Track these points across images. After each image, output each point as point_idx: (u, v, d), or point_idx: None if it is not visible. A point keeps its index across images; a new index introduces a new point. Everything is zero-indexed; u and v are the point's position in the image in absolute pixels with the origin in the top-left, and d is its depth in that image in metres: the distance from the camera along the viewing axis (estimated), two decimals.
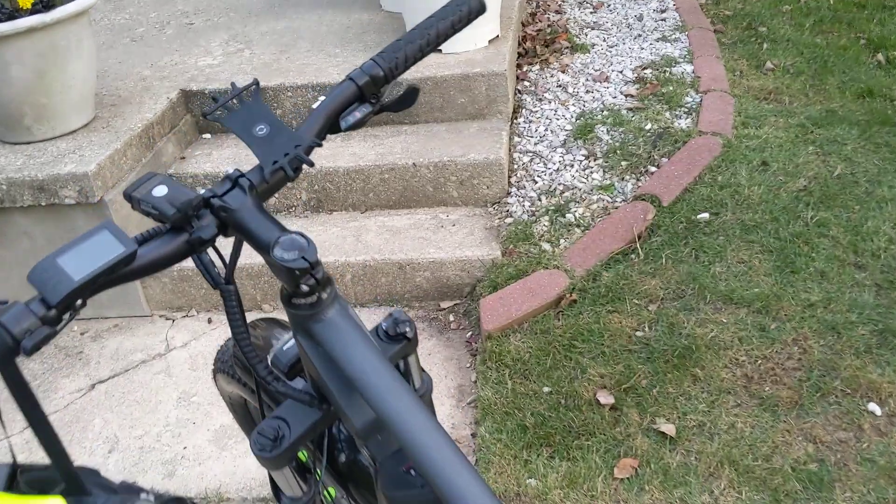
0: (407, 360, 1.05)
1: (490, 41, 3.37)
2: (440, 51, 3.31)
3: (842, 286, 2.31)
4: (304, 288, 0.85)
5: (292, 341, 1.10)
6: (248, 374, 1.32)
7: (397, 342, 1.04)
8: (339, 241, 2.82)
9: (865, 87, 3.24)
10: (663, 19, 4.08)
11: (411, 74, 3.11)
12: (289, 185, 2.98)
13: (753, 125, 3.03)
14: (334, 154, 3.01)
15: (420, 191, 2.95)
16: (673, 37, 3.83)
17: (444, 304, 2.73)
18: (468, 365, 2.47)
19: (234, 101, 0.94)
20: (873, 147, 2.83)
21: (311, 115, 0.96)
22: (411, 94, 0.98)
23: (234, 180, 0.89)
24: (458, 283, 2.71)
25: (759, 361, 2.18)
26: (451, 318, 2.67)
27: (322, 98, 1.02)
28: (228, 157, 3.09)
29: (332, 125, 0.97)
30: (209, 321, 2.79)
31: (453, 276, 2.70)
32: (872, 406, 2.05)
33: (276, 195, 3.00)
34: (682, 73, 3.43)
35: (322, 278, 0.86)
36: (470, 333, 2.58)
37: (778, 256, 2.43)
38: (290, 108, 3.20)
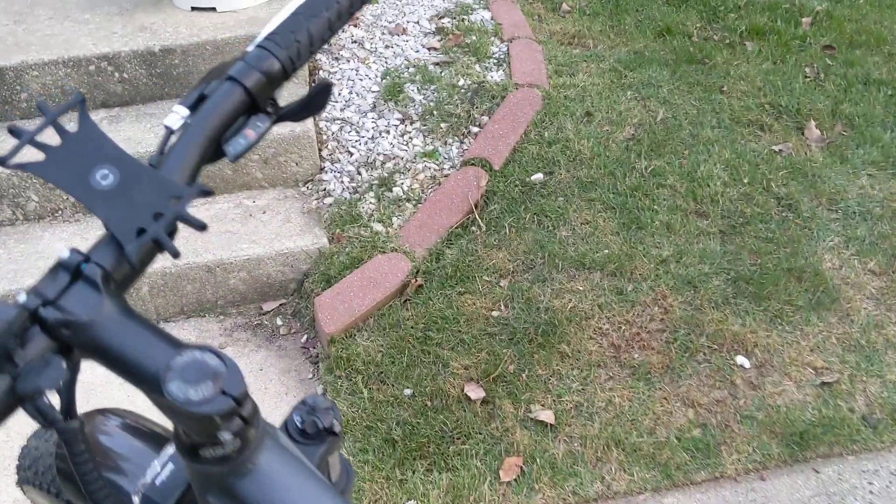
0: (328, 460, 0.78)
1: None
2: (214, 9, 2.89)
3: (689, 237, 2.29)
4: (226, 437, 0.55)
5: (170, 466, 0.78)
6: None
7: (320, 442, 0.76)
8: None
9: (662, 26, 3.26)
10: None
11: (164, 38, 2.68)
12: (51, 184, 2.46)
13: (567, 73, 2.94)
14: None
15: (216, 175, 2.56)
16: None
17: (268, 307, 2.40)
18: (310, 376, 2.18)
19: (50, 130, 0.60)
20: (687, 87, 2.85)
21: (179, 141, 0.64)
22: (322, 94, 0.70)
23: (75, 270, 0.57)
24: (280, 280, 2.39)
25: (623, 328, 2.11)
26: (279, 321, 2.35)
27: (180, 107, 0.66)
28: None
29: (212, 152, 0.67)
30: None
31: (275, 273, 2.37)
32: (740, 359, 2.04)
33: (38, 198, 2.48)
34: (482, 20, 3.27)
35: (251, 414, 0.57)
36: (305, 337, 2.29)
37: (621, 213, 2.36)
38: (39, 90, 2.65)
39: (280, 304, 2.40)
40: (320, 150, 2.64)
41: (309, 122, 2.58)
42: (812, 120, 2.68)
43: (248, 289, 2.39)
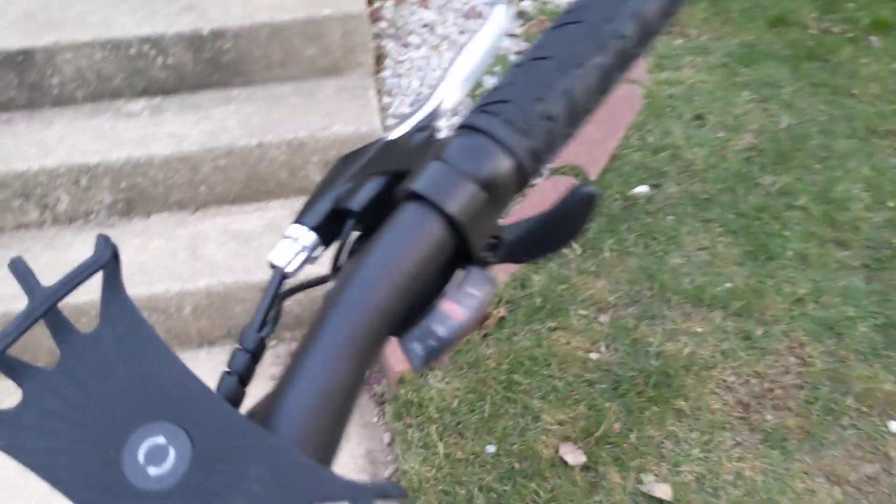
0: None
1: None
2: None
3: (827, 271, 1.94)
4: None
5: None
6: None
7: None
8: (167, 259, 2.09)
9: (774, 15, 2.88)
10: None
11: (213, 19, 2.38)
12: (84, 184, 2.19)
13: (670, 67, 2.59)
14: (144, 137, 2.25)
15: (271, 178, 2.26)
16: None
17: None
18: (375, 419, 1.88)
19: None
20: (811, 88, 2.48)
21: (325, 327, 0.35)
22: (578, 209, 0.38)
23: None
24: None
25: (753, 381, 1.77)
26: None
27: (299, 229, 0.40)
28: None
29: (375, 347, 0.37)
30: None
31: None
32: (894, 425, 1.69)
33: (69, 198, 2.20)
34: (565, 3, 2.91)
35: None
36: (369, 373, 1.98)
37: (745, 238, 2.01)
38: (73, 74, 2.37)
39: None
40: None
41: (375, 119, 2.27)
42: None
43: (303, 311, 2.09)
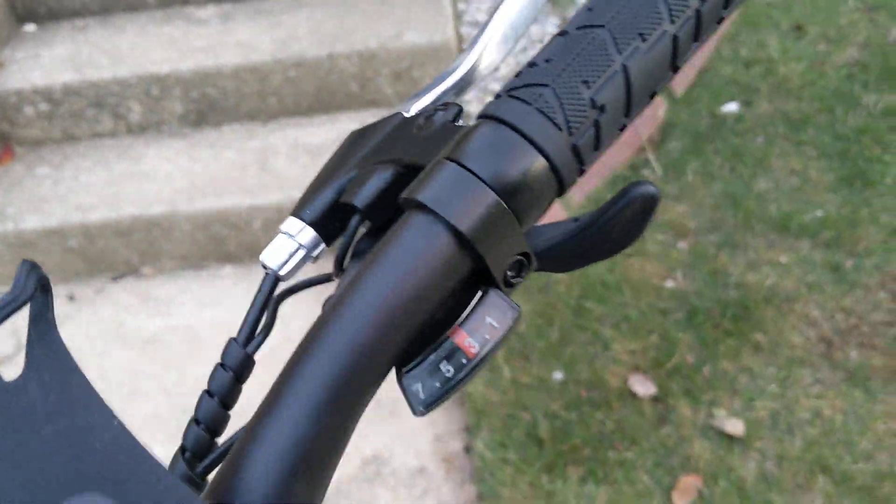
0: None
1: None
2: None
3: None
4: None
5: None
6: None
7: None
8: (237, 172, 2.11)
9: None
10: None
11: None
12: (155, 94, 2.20)
13: None
14: (214, 45, 2.23)
15: (340, 90, 2.23)
16: None
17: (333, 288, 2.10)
18: None
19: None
20: None
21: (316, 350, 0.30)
22: (637, 215, 0.32)
23: None
24: None
25: (838, 316, 1.69)
26: None
27: (296, 223, 0.35)
28: (65, 57, 2.25)
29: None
30: (71, 298, 2.08)
31: None
32: None
33: (141, 108, 2.22)
34: None
35: None
36: None
37: (841, 163, 1.89)
38: None
39: None
40: None
41: (449, 28, 2.20)
42: None
43: None
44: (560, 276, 1.84)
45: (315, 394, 0.28)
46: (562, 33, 0.34)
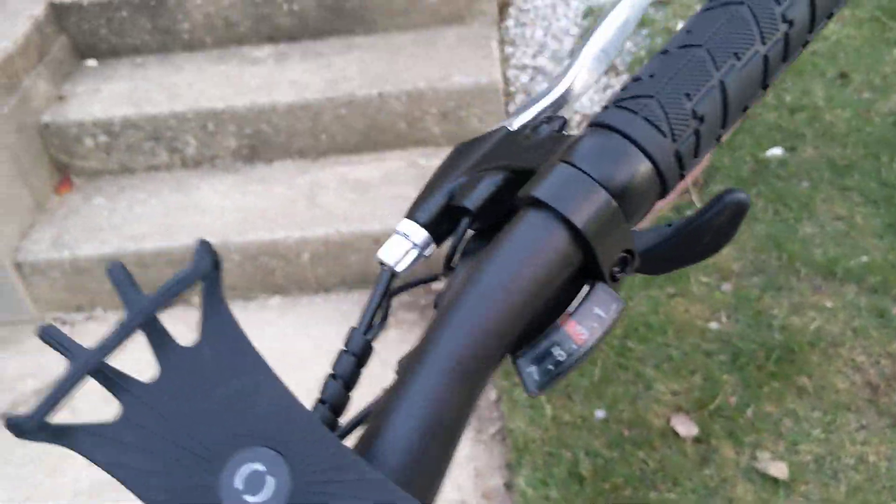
0: None
1: None
2: None
3: None
4: None
5: None
6: None
7: None
8: (286, 206, 2.17)
9: None
10: None
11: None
12: (210, 129, 2.28)
13: None
14: (268, 84, 2.31)
15: (389, 129, 2.29)
16: None
17: (437, 286, 2.13)
18: None
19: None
20: None
21: (425, 358, 0.33)
22: (729, 221, 0.36)
23: None
24: None
25: (884, 362, 1.69)
26: None
27: (410, 225, 0.39)
28: (124, 92, 2.35)
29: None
30: None
31: None
32: None
33: (196, 143, 2.30)
34: None
35: None
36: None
37: (887, 209, 1.90)
38: (201, 20, 2.45)
39: None
40: (506, 103, 2.30)
41: (496, 70, 2.25)
42: None
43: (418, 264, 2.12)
44: None
45: (445, 371, 0.31)
46: (663, 52, 0.38)
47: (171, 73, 2.42)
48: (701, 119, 0.36)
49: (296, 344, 2.02)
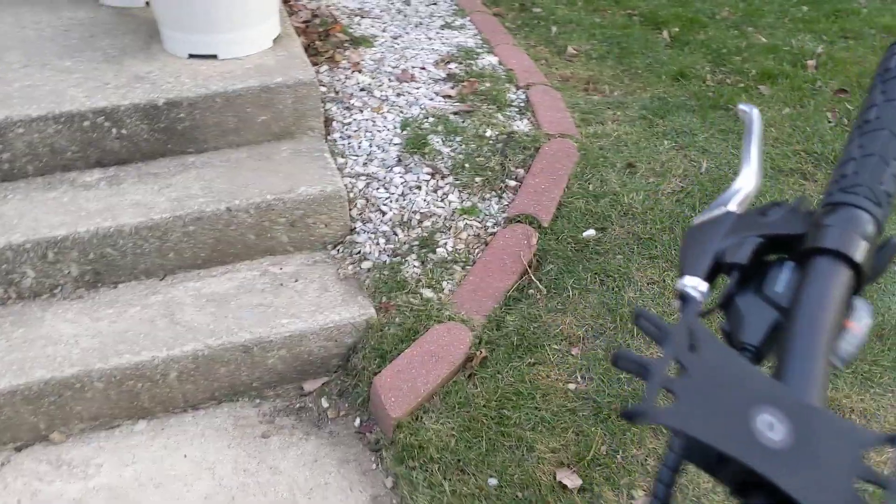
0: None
1: (274, 40, 2.80)
2: (215, 56, 2.68)
3: None
4: None
5: None
6: None
7: None
8: (146, 326, 2.13)
9: (675, 70, 3.23)
10: (434, 2, 3.78)
11: (166, 89, 2.46)
12: (50, 257, 2.20)
13: (595, 121, 2.85)
14: (110, 207, 2.28)
15: (238, 241, 2.34)
16: (457, 23, 3.54)
17: (309, 386, 2.19)
18: (374, 466, 1.98)
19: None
20: (720, 135, 2.80)
21: (791, 344, 0.51)
22: (889, 257, 0.57)
23: None
24: (322, 357, 2.19)
25: None
26: (325, 403, 2.14)
27: (695, 281, 0.56)
28: None
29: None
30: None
31: (317, 349, 2.17)
32: None
33: (33, 273, 2.20)
34: (490, 65, 3.16)
35: None
36: (358, 420, 2.09)
37: None
38: (24, 149, 2.37)
39: (323, 383, 2.19)
40: (350, 208, 2.45)
41: (337, 179, 2.40)
42: None
43: (286, 368, 2.17)
44: (477, 391, 2.01)
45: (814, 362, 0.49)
46: (858, 143, 0.59)
47: None
48: (891, 195, 0.57)
49: (175, 466, 1.98)
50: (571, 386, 2.03)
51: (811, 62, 3.35)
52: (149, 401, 2.09)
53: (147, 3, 3.12)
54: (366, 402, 2.10)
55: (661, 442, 1.91)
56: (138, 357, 2.04)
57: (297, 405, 2.15)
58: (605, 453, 1.89)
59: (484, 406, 1.99)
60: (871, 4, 4.08)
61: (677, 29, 3.65)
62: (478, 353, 2.10)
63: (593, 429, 1.93)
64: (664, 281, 2.24)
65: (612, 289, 2.23)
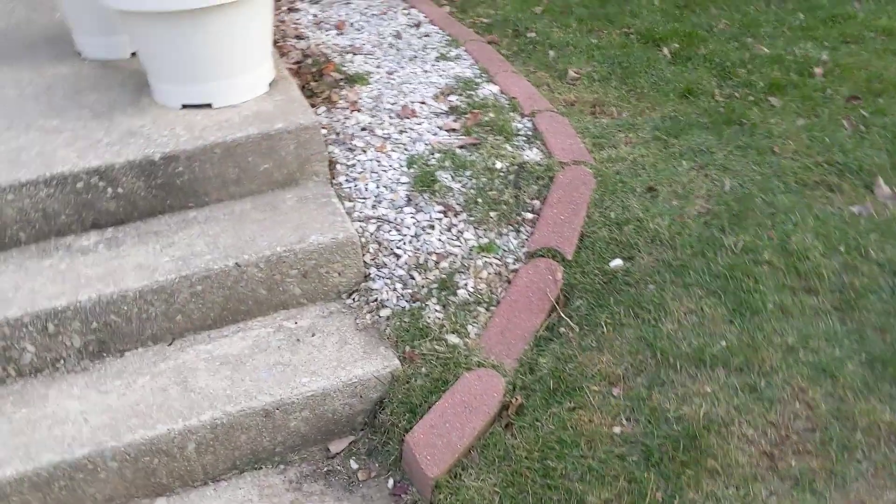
0: None
1: (270, 84, 2.70)
2: (210, 105, 2.57)
3: (806, 318, 2.10)
4: None
5: None
6: None
7: None
8: (158, 397, 2.00)
9: (681, 87, 3.15)
10: (426, 34, 3.70)
11: (162, 143, 2.35)
12: (51, 329, 2.07)
13: (607, 145, 2.76)
14: (110, 271, 2.16)
15: (249, 297, 2.22)
16: (451, 54, 3.45)
17: (336, 447, 2.06)
18: None
19: None
20: (738, 151, 2.71)
21: None
22: None
23: None
24: (347, 414, 2.06)
25: (769, 431, 1.87)
26: (354, 464, 2.01)
27: None
28: None
29: None
30: None
31: (341, 408, 2.04)
32: None
33: (33, 347, 2.07)
34: (492, 94, 3.07)
35: None
36: (391, 482, 1.95)
37: (727, 297, 2.15)
38: (14, 216, 2.25)
39: (350, 443, 2.06)
40: (362, 254, 2.33)
41: (348, 224, 2.29)
42: (878, 177, 2.57)
43: (310, 429, 2.04)
44: (516, 441, 1.89)
45: None
46: None
47: None
48: None
49: None
50: (617, 429, 1.91)
51: (818, 70, 3.27)
52: (166, 476, 1.96)
53: (133, 54, 3.02)
54: (398, 461, 1.97)
55: (720, 482, 1.79)
56: (153, 431, 1.90)
57: (325, 468, 2.02)
58: (661, 500, 1.76)
59: (526, 458, 1.86)
60: (866, 7, 4.03)
61: (677, 45, 3.57)
62: (513, 400, 1.98)
63: (645, 475, 1.80)
64: (702, 310, 2.13)
65: (648, 322, 2.12)
